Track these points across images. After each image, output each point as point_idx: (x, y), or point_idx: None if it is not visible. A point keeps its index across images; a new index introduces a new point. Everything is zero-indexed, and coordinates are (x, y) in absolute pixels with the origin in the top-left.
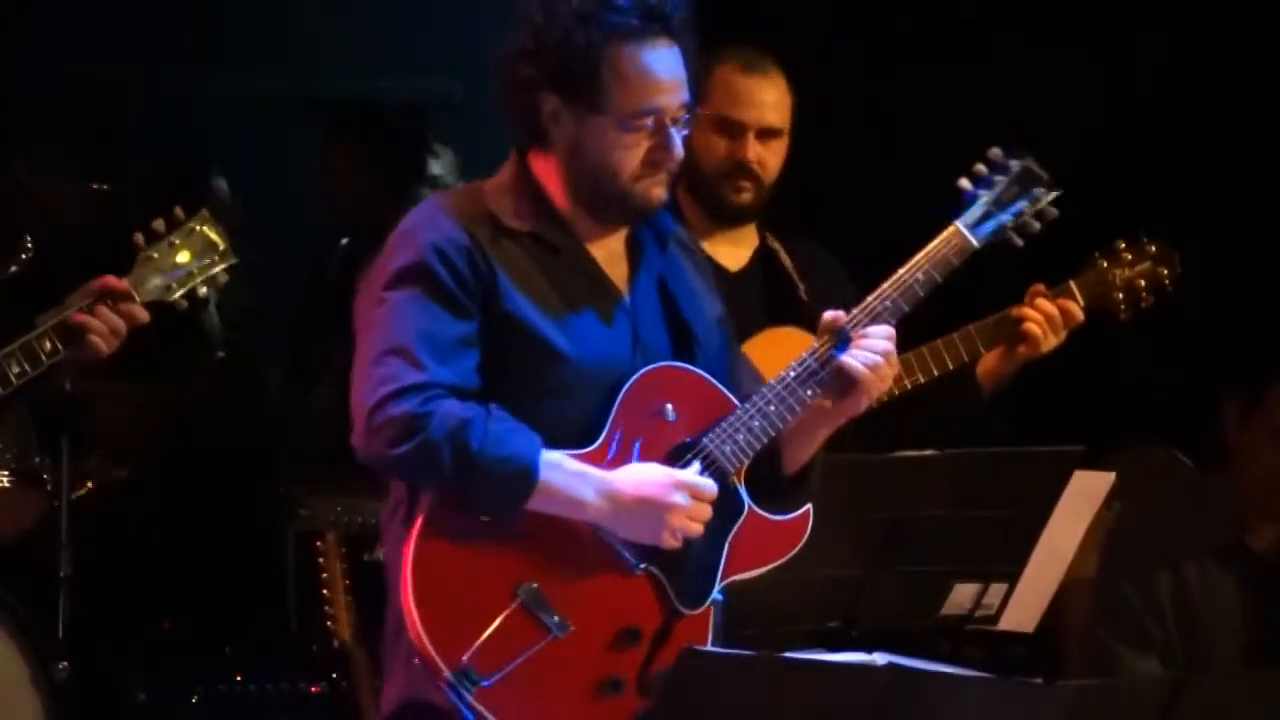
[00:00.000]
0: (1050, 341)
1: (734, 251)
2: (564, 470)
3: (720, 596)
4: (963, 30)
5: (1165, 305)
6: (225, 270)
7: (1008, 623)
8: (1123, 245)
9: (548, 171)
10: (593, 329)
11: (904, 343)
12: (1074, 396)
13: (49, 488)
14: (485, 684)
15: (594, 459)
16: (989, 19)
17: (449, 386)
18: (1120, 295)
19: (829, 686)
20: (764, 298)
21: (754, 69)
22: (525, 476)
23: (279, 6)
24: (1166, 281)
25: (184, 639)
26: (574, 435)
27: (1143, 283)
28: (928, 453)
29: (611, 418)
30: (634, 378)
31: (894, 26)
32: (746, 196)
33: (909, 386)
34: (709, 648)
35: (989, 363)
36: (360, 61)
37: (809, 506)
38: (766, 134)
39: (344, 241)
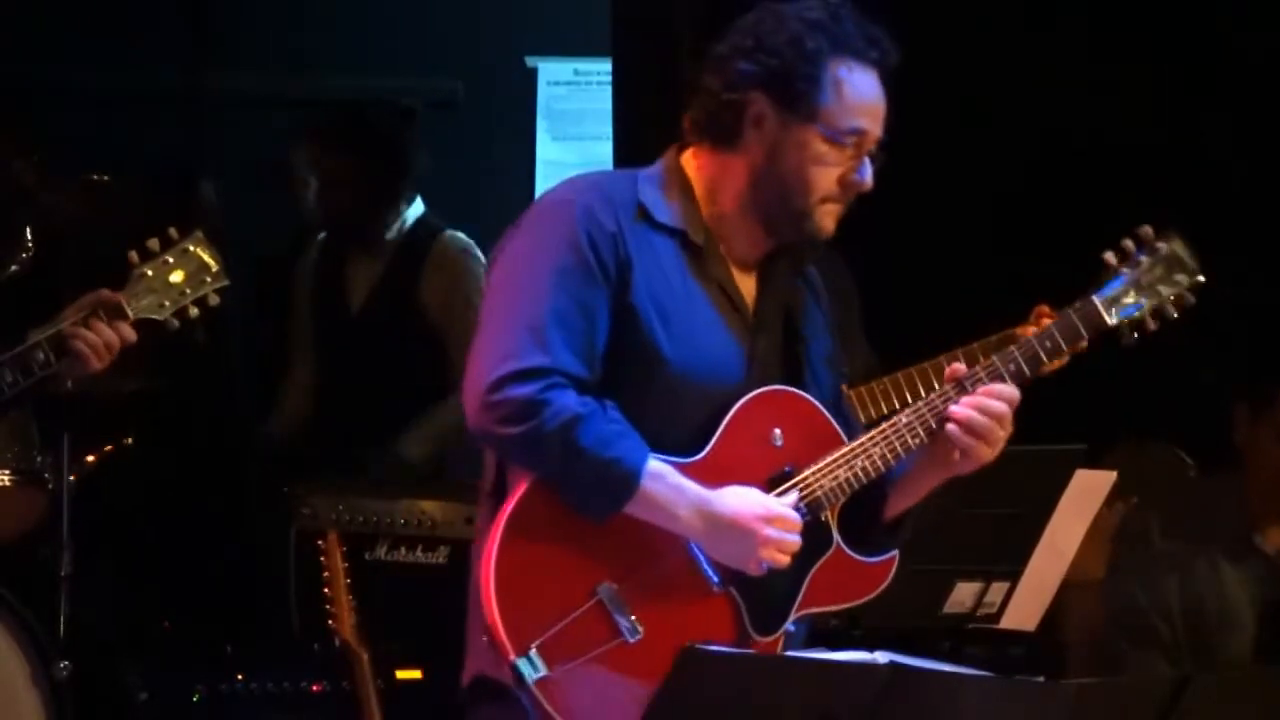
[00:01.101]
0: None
1: None
2: (665, 481)
3: (793, 628)
4: (977, 34)
5: None
6: (217, 292)
7: (1009, 621)
8: None
9: (715, 173)
10: (711, 339)
11: (909, 359)
12: (1075, 395)
13: (50, 487)
14: (548, 674)
15: (696, 471)
16: (1004, 19)
17: (570, 374)
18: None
19: (830, 685)
20: None
21: None
22: (627, 481)
23: (279, 6)
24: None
25: (185, 638)
26: (677, 443)
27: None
28: None
29: (720, 433)
30: (749, 396)
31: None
32: None
33: (911, 401)
34: (710, 646)
35: None
36: (360, 61)
37: (895, 553)
38: None
39: (320, 237)
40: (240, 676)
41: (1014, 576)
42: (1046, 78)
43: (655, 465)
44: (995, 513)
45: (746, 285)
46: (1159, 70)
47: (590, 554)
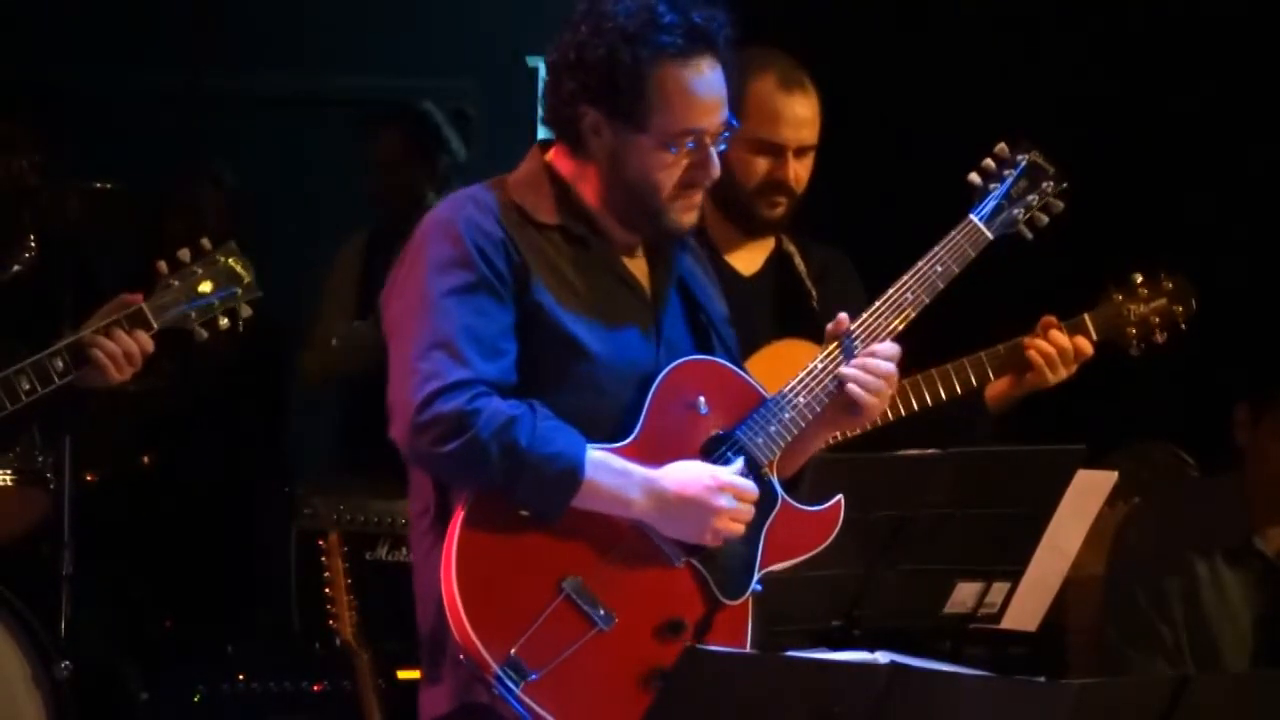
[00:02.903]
0: (1060, 374)
1: (749, 256)
2: (609, 468)
3: (759, 587)
4: (976, 45)
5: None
6: (250, 303)
7: (1010, 621)
8: (1139, 279)
9: (577, 174)
10: (618, 324)
11: (917, 365)
12: (1077, 395)
13: (50, 486)
14: (533, 677)
15: (631, 453)
16: (1002, 34)
17: (492, 383)
18: (1133, 330)
19: (831, 685)
20: (775, 302)
21: (792, 85)
22: (572, 474)
23: (285, 6)
24: (1180, 320)
25: (186, 638)
26: (603, 430)
27: (1156, 319)
28: (931, 451)
29: (645, 412)
30: (666, 371)
31: (903, 30)
32: (780, 211)
33: (916, 408)
34: (711, 647)
35: (998, 387)
36: (362, 61)
37: (840, 498)
38: (802, 151)
39: (361, 235)
40: (240, 676)
41: (1015, 577)
42: (1059, 88)
43: (596, 454)
44: (996, 513)
45: (638, 267)
46: (1166, 80)
47: (547, 553)
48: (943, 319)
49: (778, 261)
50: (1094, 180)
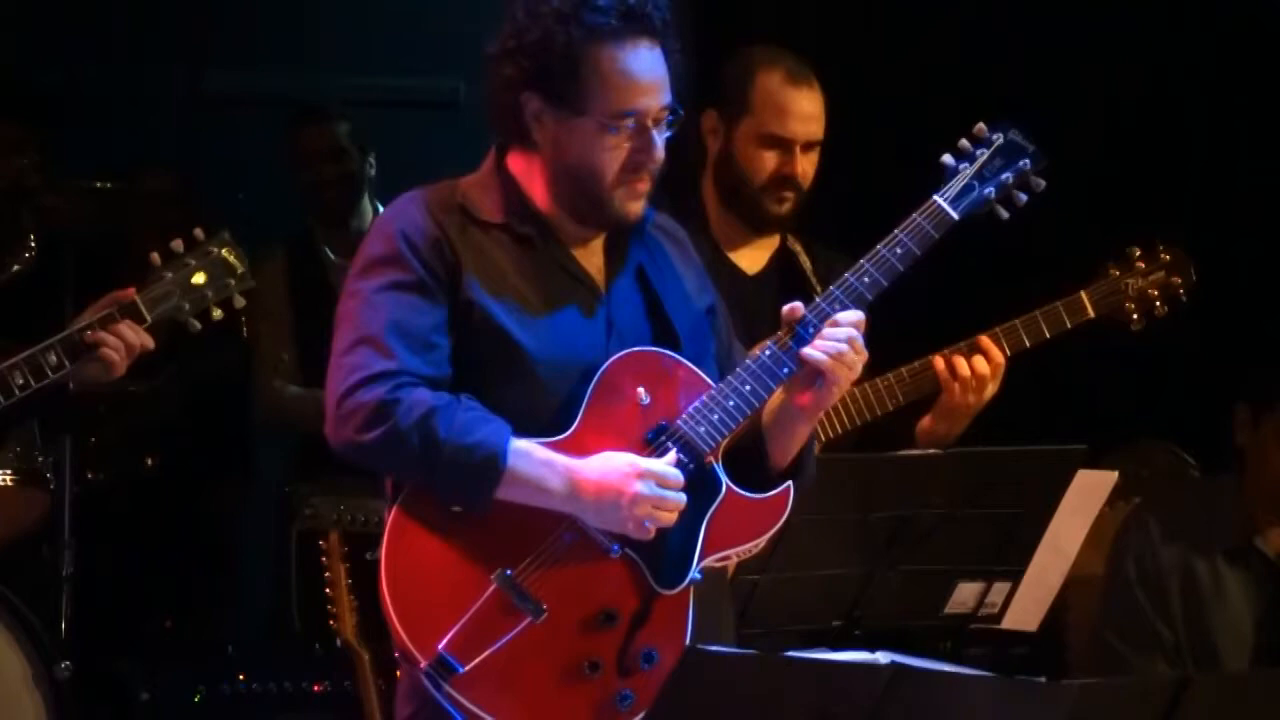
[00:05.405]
0: (982, 396)
1: (753, 254)
2: (532, 459)
3: (699, 576)
4: (973, 26)
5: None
6: (243, 293)
7: (1011, 622)
8: (1136, 253)
9: (526, 170)
10: (565, 321)
11: (907, 356)
12: (1077, 395)
13: (51, 486)
14: (461, 671)
15: (567, 446)
16: (1000, 16)
17: (419, 375)
18: (1132, 305)
19: (832, 685)
20: (778, 300)
21: (798, 80)
22: (492, 465)
23: (280, 6)
24: (1180, 291)
25: (187, 638)
26: (543, 423)
27: (1155, 292)
28: (931, 451)
29: (585, 404)
30: (607, 363)
31: (901, 23)
32: (788, 207)
33: (903, 400)
34: (712, 646)
35: (925, 424)
36: (360, 61)
37: (790, 485)
38: (810, 146)
39: (281, 247)
40: (241, 676)
41: (1016, 577)
42: (1060, 77)
43: (520, 444)
44: (996, 513)
45: (595, 262)
46: (1163, 72)
47: (479, 546)
48: (931, 311)
49: (782, 259)
50: (1093, 179)
